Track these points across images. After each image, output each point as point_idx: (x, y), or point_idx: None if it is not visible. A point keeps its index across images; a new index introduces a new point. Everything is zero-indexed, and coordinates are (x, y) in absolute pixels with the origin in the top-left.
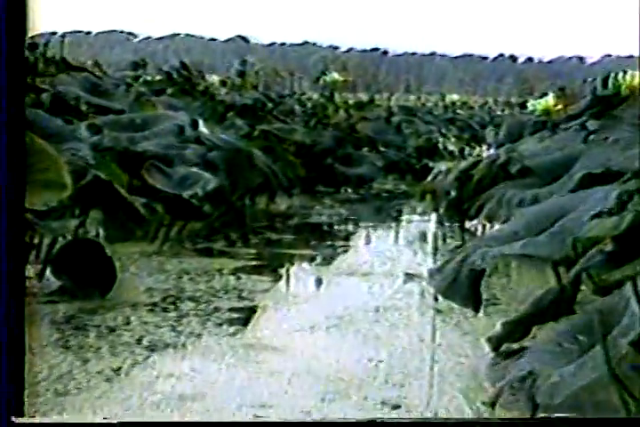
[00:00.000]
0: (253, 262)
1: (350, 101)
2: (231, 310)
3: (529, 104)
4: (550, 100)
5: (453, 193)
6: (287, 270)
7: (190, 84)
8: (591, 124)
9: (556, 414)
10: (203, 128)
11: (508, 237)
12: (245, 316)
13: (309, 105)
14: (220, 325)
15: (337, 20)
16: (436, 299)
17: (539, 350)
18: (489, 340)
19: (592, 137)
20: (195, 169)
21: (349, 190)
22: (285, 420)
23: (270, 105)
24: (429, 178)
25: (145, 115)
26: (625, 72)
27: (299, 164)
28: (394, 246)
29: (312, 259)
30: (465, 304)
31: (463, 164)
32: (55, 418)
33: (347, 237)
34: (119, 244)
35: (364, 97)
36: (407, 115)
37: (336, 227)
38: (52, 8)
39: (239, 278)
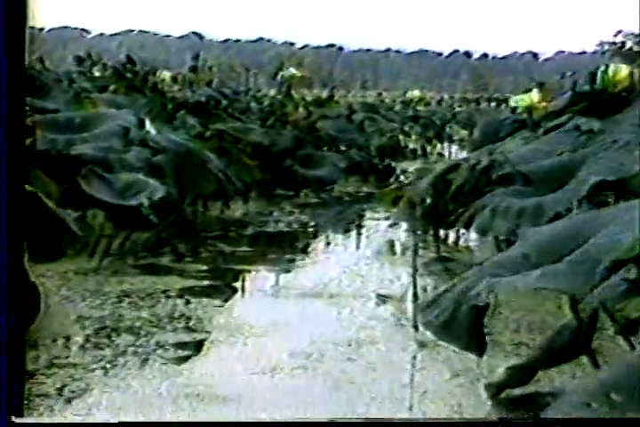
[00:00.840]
0: (204, 282)
1: (309, 98)
2: (176, 345)
3: (511, 100)
4: (535, 95)
5: (429, 200)
6: (242, 291)
7: (139, 80)
8: (583, 124)
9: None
10: (150, 128)
11: (517, 262)
12: (192, 352)
13: (266, 102)
14: (164, 364)
15: (292, 17)
16: (416, 328)
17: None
18: (488, 387)
19: (594, 139)
20: (139, 175)
21: (310, 194)
22: (285, 420)
23: (225, 102)
24: (395, 180)
25: (85, 114)
26: (608, 66)
27: (255, 166)
28: (361, 259)
29: (271, 278)
30: (466, 348)
31: (439, 168)
32: (55, 418)
33: (308, 249)
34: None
35: (323, 93)
36: (369, 112)
37: (296, 237)
38: None
39: (187, 303)
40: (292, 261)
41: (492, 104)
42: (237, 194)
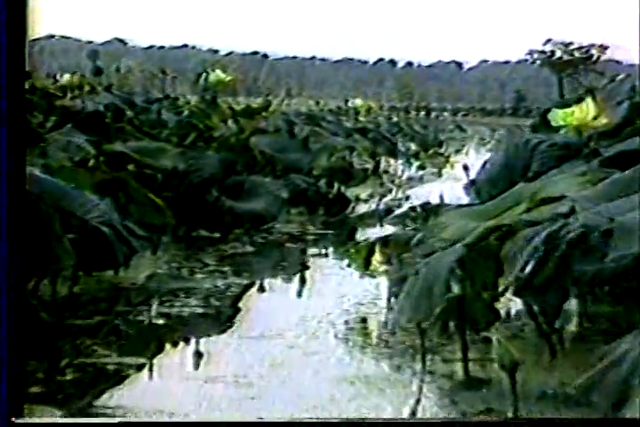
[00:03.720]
0: None
1: (237, 107)
2: None
3: (551, 115)
4: (590, 108)
5: (456, 288)
6: None
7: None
8: None
9: None
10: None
11: None
12: None
13: (186, 112)
14: None
15: (217, 23)
16: None
17: None
18: None
19: None
20: None
21: (243, 238)
22: (285, 420)
23: (130, 113)
24: (349, 213)
25: None
26: None
27: (168, 202)
28: (313, 352)
29: None
30: None
31: (474, 233)
32: (55, 418)
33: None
34: None
35: (251, 102)
36: (309, 124)
37: (216, 319)
38: None
39: None
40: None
41: (422, 113)
42: (129, 255)
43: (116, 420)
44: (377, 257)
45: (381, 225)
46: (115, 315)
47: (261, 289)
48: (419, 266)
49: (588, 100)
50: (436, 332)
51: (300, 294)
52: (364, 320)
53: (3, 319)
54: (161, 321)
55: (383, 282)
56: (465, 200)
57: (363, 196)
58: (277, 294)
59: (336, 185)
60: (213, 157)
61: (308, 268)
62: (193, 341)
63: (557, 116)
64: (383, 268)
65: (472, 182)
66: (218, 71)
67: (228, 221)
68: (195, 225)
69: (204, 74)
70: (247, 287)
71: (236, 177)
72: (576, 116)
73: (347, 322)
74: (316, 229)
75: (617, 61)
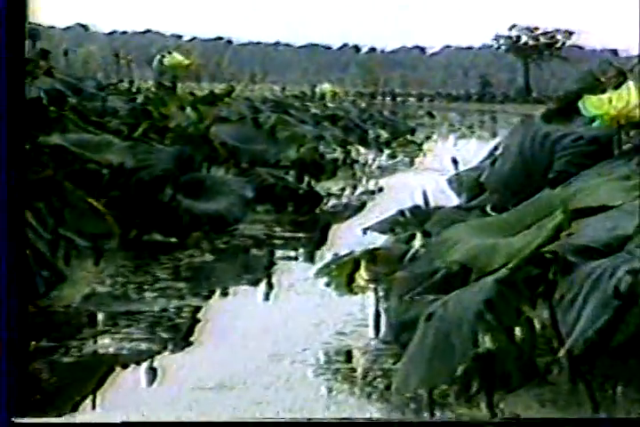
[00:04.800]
0: None
1: (198, 92)
2: None
3: (582, 102)
4: (632, 95)
5: (487, 343)
6: None
7: None
8: None
9: None
10: None
11: None
12: None
13: (140, 99)
14: None
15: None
16: None
17: None
18: None
19: None
20: None
21: (202, 244)
22: (285, 420)
23: (73, 100)
24: (321, 211)
25: None
26: None
27: (107, 213)
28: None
29: None
30: None
31: (509, 260)
32: (55, 418)
33: None
34: None
35: (214, 88)
36: (276, 111)
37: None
38: None
39: None
40: None
41: (387, 98)
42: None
43: (116, 420)
44: (362, 274)
45: (364, 233)
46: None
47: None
48: (433, 307)
49: (630, 84)
50: (454, 391)
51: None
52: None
53: (2, 319)
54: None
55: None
56: (451, 196)
57: (334, 189)
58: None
59: (306, 179)
60: (167, 150)
61: (272, 286)
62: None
63: (591, 104)
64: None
65: (459, 177)
66: (175, 54)
67: (185, 223)
68: (147, 229)
69: (160, 56)
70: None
71: (194, 173)
72: (614, 105)
73: (325, 358)
74: (284, 230)
75: (580, 47)
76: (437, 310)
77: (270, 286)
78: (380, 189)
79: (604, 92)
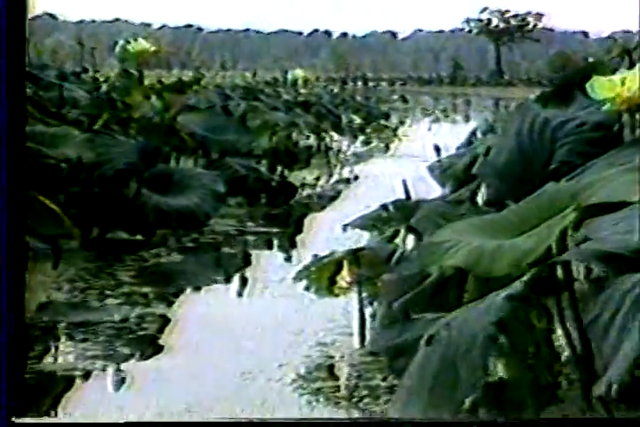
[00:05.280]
0: None
1: (166, 80)
2: None
3: (591, 84)
4: None
5: (499, 370)
6: None
7: None
8: None
9: None
10: None
11: None
12: None
13: (104, 88)
14: None
15: None
16: None
17: None
18: None
19: None
20: None
21: (169, 243)
22: (286, 420)
23: (29, 90)
24: (297, 203)
25: None
26: None
27: (61, 214)
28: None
29: None
30: None
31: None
32: (55, 418)
33: None
34: None
35: (183, 75)
36: (247, 98)
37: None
38: None
39: None
40: None
41: (359, 83)
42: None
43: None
44: (345, 276)
45: (344, 230)
46: None
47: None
48: (434, 328)
49: None
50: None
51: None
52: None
53: (2, 320)
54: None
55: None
56: (432, 184)
57: (309, 179)
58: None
59: (279, 169)
60: (131, 142)
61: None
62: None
63: (601, 86)
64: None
65: (440, 164)
66: (141, 40)
67: (151, 220)
68: (110, 227)
69: (123, 43)
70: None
71: (161, 166)
72: (628, 86)
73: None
74: (257, 225)
75: (550, 29)
76: (440, 331)
77: (243, 286)
78: (356, 178)
79: (614, 72)
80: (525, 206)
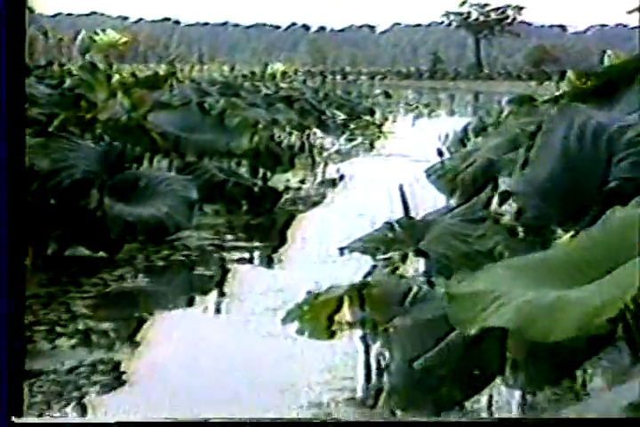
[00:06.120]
0: None
1: (140, 74)
2: None
3: None
4: None
5: None
6: None
7: None
8: None
9: None
10: None
11: None
12: None
13: (68, 83)
14: None
15: None
16: None
17: None
18: None
19: None
20: None
21: (136, 261)
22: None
23: None
24: (281, 210)
25: None
26: None
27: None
28: None
29: None
30: None
31: None
32: (55, 418)
33: None
34: None
35: (159, 69)
36: (225, 93)
37: None
38: None
39: None
40: None
41: (338, 77)
42: None
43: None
44: (346, 316)
45: (341, 253)
46: None
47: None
48: None
49: None
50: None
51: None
52: None
53: (2, 320)
54: None
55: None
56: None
57: (293, 182)
58: (179, 363)
59: (261, 171)
60: (91, 147)
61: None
62: None
63: None
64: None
65: (438, 168)
66: (109, 31)
67: (116, 233)
68: (69, 242)
69: (83, 33)
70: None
71: (127, 172)
72: None
73: None
74: (236, 238)
75: (528, 23)
76: None
77: (218, 312)
78: (342, 177)
79: None
80: (588, 240)
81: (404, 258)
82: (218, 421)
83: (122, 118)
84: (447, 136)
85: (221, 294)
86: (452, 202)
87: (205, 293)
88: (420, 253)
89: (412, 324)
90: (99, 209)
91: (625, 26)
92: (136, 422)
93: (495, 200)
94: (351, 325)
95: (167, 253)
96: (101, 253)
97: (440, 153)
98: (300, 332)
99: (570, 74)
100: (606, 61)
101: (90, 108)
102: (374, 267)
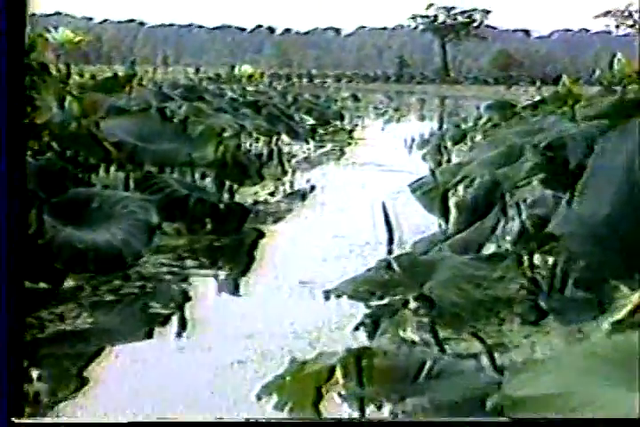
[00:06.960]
0: None
1: (100, 76)
2: None
3: None
4: None
5: None
6: None
7: None
8: None
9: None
10: None
11: None
12: None
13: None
14: None
15: None
16: None
17: None
18: None
19: None
20: None
21: (82, 295)
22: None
23: None
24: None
25: None
26: None
27: None
28: None
29: None
30: None
31: None
32: (55, 418)
33: None
34: None
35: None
36: (189, 98)
37: None
38: None
39: None
40: None
41: (304, 80)
42: None
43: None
44: (339, 390)
45: (326, 298)
46: None
47: None
48: None
49: None
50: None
51: None
52: None
53: (2, 320)
54: None
55: None
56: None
57: (262, 194)
58: None
59: (227, 184)
60: (27, 161)
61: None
62: None
63: None
64: None
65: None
66: (62, 29)
67: (62, 263)
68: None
69: (47, 32)
70: None
71: (76, 190)
72: None
73: None
74: (199, 264)
75: (493, 27)
76: None
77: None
78: (312, 188)
79: None
80: None
81: (404, 304)
82: (220, 421)
83: (70, 126)
84: (424, 142)
85: (182, 327)
86: (444, 224)
87: (164, 324)
88: (424, 298)
89: (430, 406)
90: (40, 233)
91: (588, 31)
92: (137, 423)
93: (501, 225)
94: (345, 399)
95: (118, 283)
96: (42, 285)
97: (433, 173)
98: (280, 408)
99: (565, 79)
100: (615, 65)
101: (31, 114)
102: (368, 317)
